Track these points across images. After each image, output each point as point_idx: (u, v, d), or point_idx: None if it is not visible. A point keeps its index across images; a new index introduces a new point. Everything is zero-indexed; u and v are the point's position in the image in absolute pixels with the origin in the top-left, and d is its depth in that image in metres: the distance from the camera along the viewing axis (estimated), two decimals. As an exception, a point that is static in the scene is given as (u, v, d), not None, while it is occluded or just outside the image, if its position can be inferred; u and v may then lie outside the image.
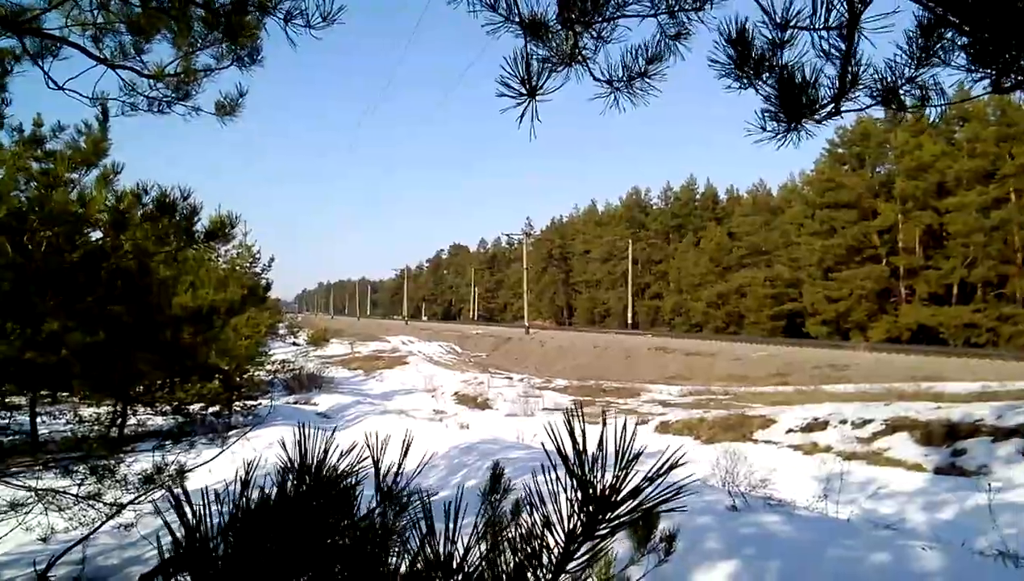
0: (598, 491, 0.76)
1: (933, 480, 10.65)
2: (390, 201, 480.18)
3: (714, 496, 6.96)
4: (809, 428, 14.34)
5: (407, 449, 0.92)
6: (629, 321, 67.68)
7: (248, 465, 0.86)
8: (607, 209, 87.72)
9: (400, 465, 0.92)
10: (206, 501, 0.76)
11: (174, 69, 4.11)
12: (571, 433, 0.74)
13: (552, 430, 0.76)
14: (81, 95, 4.10)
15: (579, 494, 0.77)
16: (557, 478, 0.79)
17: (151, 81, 4.14)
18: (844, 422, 14.11)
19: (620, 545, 2.55)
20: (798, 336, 49.26)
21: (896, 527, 6.51)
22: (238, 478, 0.83)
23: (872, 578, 4.80)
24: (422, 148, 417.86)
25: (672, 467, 0.74)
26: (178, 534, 0.75)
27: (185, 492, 0.75)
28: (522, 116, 2.10)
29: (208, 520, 0.75)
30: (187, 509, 0.73)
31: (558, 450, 0.76)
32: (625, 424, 0.75)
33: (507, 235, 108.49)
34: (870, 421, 13.78)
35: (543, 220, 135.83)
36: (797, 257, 52.42)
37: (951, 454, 11.47)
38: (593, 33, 2.21)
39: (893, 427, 13.15)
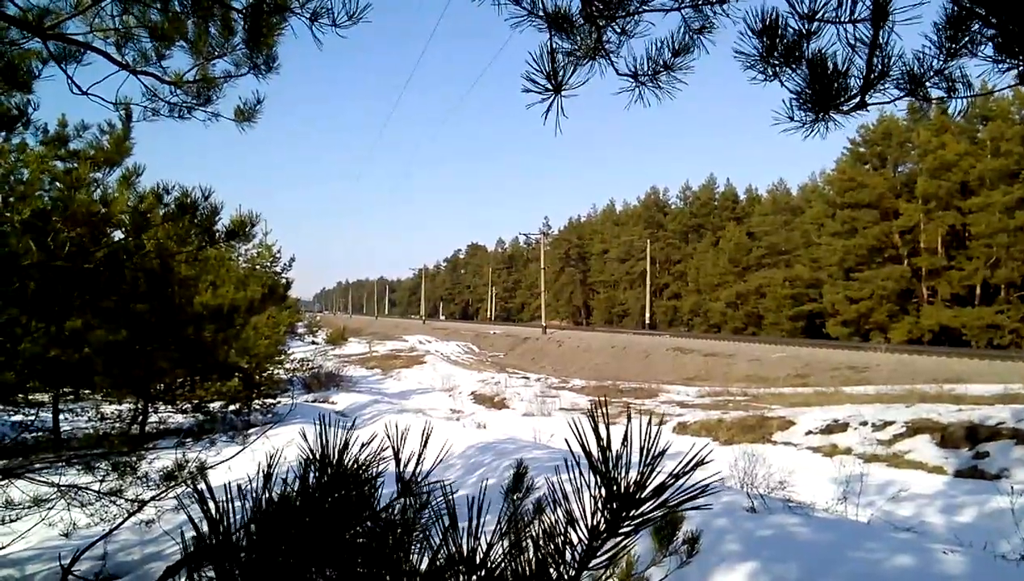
0: (622, 488, 0.76)
1: (953, 483, 10.55)
2: (408, 201, 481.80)
3: (732, 497, 6.92)
4: (829, 430, 14.24)
5: (427, 439, 0.92)
6: (647, 321, 67.44)
7: (270, 459, 0.87)
8: (625, 209, 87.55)
9: (420, 455, 0.92)
10: (229, 496, 0.77)
11: (193, 76, 4.15)
12: (595, 430, 0.74)
13: (576, 427, 0.76)
14: (104, 100, 4.15)
15: (603, 491, 0.76)
16: (580, 475, 0.79)
17: (172, 87, 4.18)
18: (864, 424, 13.99)
19: (640, 546, 2.56)
20: (818, 337, 48.89)
21: (916, 530, 6.46)
22: (260, 472, 0.84)
23: (892, 581, 4.76)
24: (440, 148, 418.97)
25: (697, 464, 0.74)
26: (202, 528, 0.76)
27: (208, 486, 0.76)
28: (547, 112, 2.10)
29: (232, 515, 0.76)
30: (210, 503, 0.74)
31: (582, 446, 0.76)
32: (649, 422, 0.75)
33: (525, 235, 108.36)
34: (891, 423, 13.66)
35: (561, 220, 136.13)
36: (817, 257, 52.00)
37: (972, 457, 11.35)
38: (616, 27, 2.20)
39: (914, 429, 13.03)
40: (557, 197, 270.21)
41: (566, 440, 0.76)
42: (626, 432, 0.76)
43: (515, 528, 0.86)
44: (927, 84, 1.80)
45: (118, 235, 4.27)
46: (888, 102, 1.86)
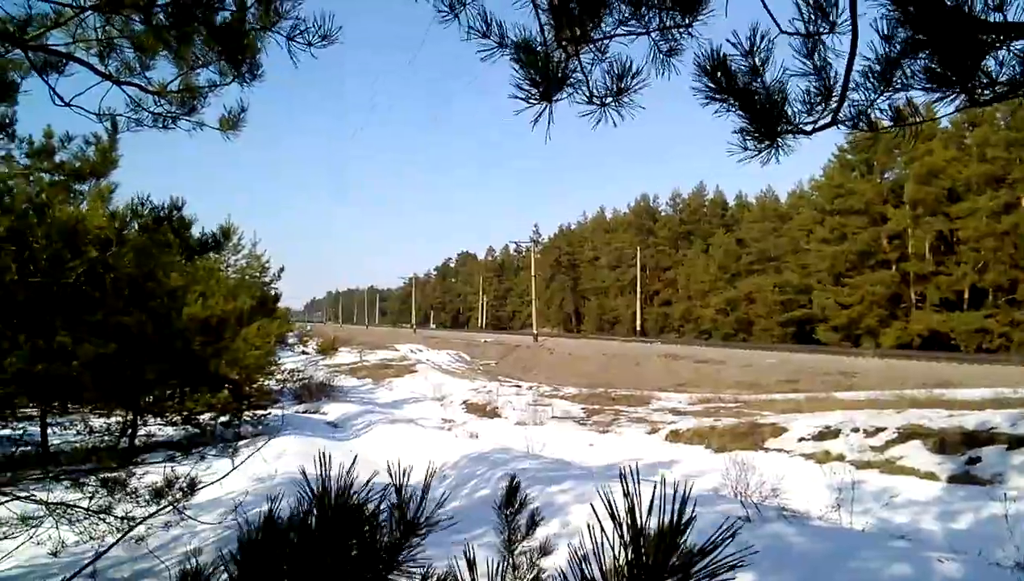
0: (648, 561, 0.71)
1: (947, 489, 10.52)
2: (398, 210, 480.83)
3: (726, 506, 6.89)
4: (821, 436, 14.21)
5: (429, 482, 0.88)
6: (638, 328, 67.51)
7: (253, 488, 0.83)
8: (615, 216, 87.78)
9: (422, 501, 0.88)
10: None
11: (177, 85, 4.11)
12: (626, 494, 0.70)
13: (603, 495, 0.72)
14: (87, 111, 4.10)
15: (630, 554, 0.72)
16: (602, 528, 0.75)
17: (155, 97, 4.13)
18: (856, 430, 13.98)
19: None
20: (808, 342, 49.08)
21: (911, 537, 6.44)
22: (242, 501, 0.79)
23: (889, 591, 4.74)
24: (429, 156, 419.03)
25: (730, 537, 0.69)
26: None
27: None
28: (536, 120, 2.11)
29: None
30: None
31: (609, 512, 0.71)
32: (676, 486, 0.71)
33: (515, 243, 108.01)
34: (883, 429, 13.65)
35: (551, 227, 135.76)
36: (806, 263, 52.24)
37: (965, 462, 11.33)
38: (590, 51, 2.25)
39: (906, 435, 13.02)
40: (547, 205, 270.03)
41: (591, 505, 0.71)
42: (652, 496, 0.71)
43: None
44: (870, 112, 2.07)
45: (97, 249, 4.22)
46: (830, 125, 2.08)
